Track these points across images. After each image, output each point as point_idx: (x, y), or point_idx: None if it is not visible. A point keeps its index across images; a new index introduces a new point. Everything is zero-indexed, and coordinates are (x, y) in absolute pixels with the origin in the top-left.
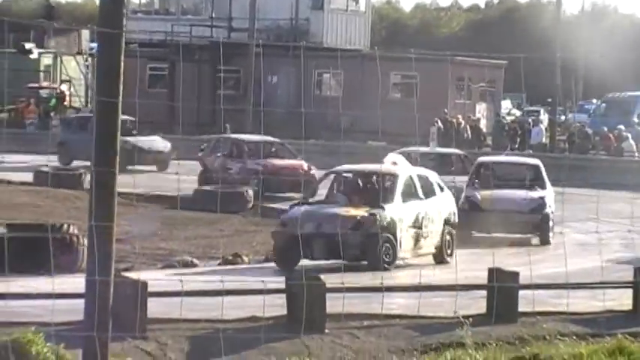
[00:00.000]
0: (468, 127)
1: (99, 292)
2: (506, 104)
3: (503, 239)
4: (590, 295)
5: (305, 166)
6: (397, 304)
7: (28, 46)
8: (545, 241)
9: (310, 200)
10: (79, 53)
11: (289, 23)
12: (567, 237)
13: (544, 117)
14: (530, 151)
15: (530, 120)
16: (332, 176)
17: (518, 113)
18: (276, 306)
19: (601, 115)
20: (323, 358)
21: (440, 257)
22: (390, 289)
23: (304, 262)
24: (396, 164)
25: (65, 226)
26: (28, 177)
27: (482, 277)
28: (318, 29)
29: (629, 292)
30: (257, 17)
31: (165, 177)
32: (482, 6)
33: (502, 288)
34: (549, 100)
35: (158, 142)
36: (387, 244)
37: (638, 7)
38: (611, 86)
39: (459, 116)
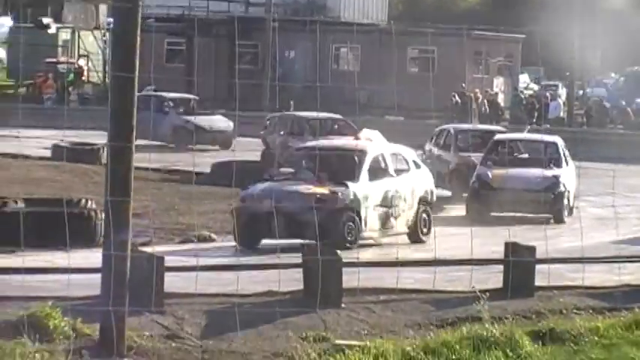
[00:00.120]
0: (485, 101)
1: (115, 266)
2: (524, 78)
3: (517, 218)
4: (606, 269)
5: None
6: (413, 278)
7: (45, 20)
8: (559, 220)
9: (277, 177)
10: (97, 28)
11: None
12: (584, 211)
13: (562, 91)
14: (548, 126)
15: (547, 94)
16: (302, 152)
17: (536, 87)
18: (293, 280)
19: (619, 89)
20: (339, 332)
21: (415, 236)
22: (406, 263)
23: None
24: (371, 140)
25: (83, 200)
26: (46, 152)
27: (499, 252)
28: (335, 3)
29: None
30: None
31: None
32: None
33: (518, 262)
34: (567, 74)
35: (219, 122)
36: (350, 223)
37: None
38: (630, 60)
39: (477, 90)
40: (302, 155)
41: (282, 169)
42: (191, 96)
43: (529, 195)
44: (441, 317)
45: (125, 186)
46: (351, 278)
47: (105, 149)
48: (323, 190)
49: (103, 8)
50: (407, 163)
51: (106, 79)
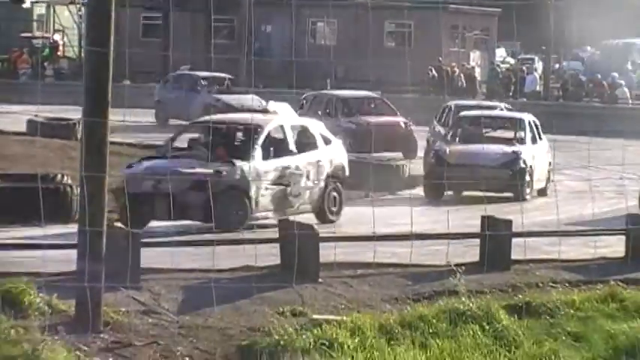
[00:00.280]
0: (462, 75)
1: (91, 242)
2: (500, 52)
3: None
4: (582, 243)
5: (402, 123)
6: (390, 252)
7: None
8: (519, 198)
9: (168, 154)
10: (72, 3)
11: None
12: (560, 185)
13: (538, 65)
14: (525, 99)
15: (524, 68)
16: (197, 127)
17: (512, 61)
18: (270, 255)
19: (595, 63)
20: (317, 307)
21: (322, 216)
22: (383, 237)
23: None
24: (276, 112)
25: (59, 176)
26: (21, 127)
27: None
28: None
29: (622, 239)
30: None
31: None
32: None
33: (495, 236)
34: (543, 47)
35: (251, 101)
36: (236, 204)
37: None
38: (605, 33)
39: (454, 64)
40: (200, 130)
41: (177, 145)
42: (225, 75)
43: (486, 171)
44: (417, 291)
45: (100, 161)
46: (328, 253)
47: (80, 124)
48: (206, 170)
49: None
50: (314, 137)
51: (82, 54)
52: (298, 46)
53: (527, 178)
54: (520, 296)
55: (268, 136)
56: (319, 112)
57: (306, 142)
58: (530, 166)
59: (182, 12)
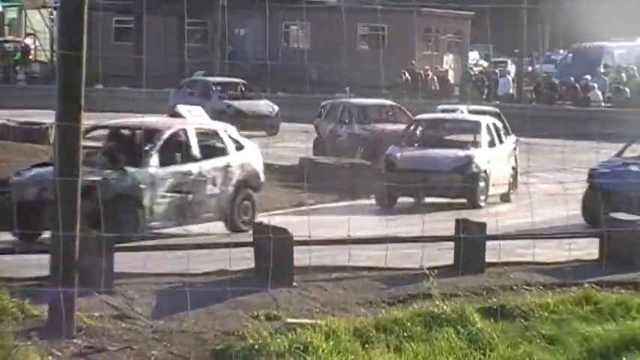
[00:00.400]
0: (435, 78)
1: (64, 247)
2: (473, 55)
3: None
4: (556, 245)
5: None
6: (365, 256)
7: None
8: (473, 204)
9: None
10: (44, 7)
11: None
12: (533, 188)
13: (511, 68)
14: (498, 102)
15: (497, 71)
16: (100, 132)
17: (485, 64)
18: (244, 259)
19: (567, 66)
20: (291, 310)
21: (232, 225)
22: (358, 241)
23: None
24: (184, 117)
25: None
26: None
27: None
28: None
29: (596, 241)
30: None
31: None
32: None
33: (469, 239)
34: (516, 50)
35: (262, 106)
36: (126, 212)
37: None
38: (578, 36)
39: (427, 67)
40: (104, 136)
41: None
42: (239, 80)
43: (436, 176)
44: (392, 294)
45: (73, 166)
46: (303, 257)
47: (52, 128)
48: (93, 177)
49: None
50: (223, 142)
51: (54, 58)
52: (272, 50)
53: (482, 183)
54: (494, 299)
55: (168, 141)
56: (335, 119)
57: (214, 147)
58: (485, 171)
59: (155, 15)
